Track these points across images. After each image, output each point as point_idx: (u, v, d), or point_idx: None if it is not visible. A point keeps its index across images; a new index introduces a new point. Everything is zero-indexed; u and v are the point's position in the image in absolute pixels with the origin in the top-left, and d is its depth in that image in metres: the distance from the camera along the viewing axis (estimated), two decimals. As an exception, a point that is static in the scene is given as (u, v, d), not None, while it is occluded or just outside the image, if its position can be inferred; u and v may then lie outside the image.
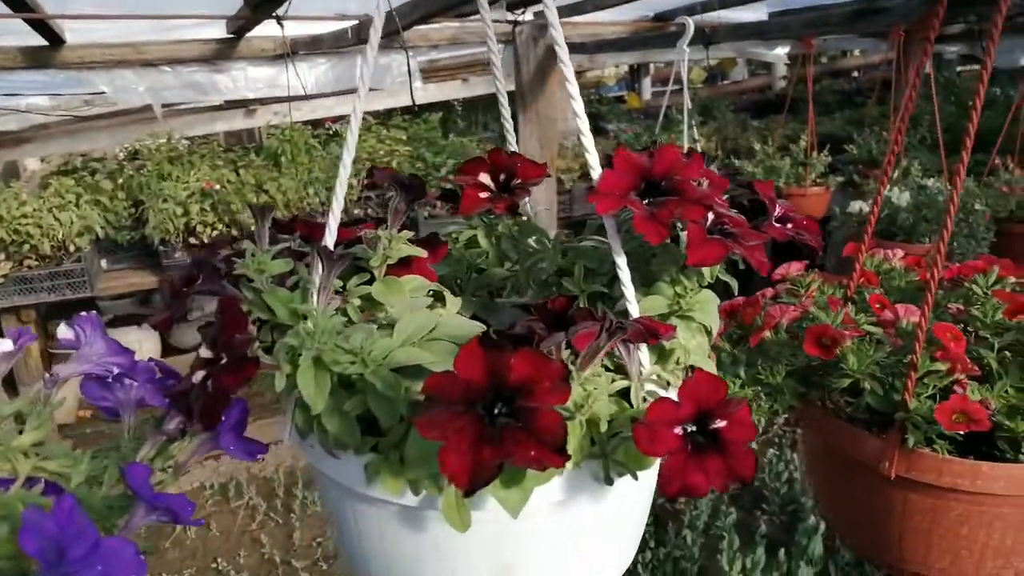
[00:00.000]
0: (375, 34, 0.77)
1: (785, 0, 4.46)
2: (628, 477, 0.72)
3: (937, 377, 0.97)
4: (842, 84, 7.79)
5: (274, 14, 2.95)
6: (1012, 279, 1.15)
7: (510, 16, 4.38)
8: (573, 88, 0.73)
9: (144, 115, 4.99)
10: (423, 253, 0.82)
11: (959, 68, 6.59)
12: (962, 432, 0.93)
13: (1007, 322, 1.04)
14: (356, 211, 5.04)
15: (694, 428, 0.63)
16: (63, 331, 0.87)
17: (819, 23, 3.18)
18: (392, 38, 3.91)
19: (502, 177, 0.84)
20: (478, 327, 0.73)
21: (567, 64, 0.73)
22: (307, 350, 0.65)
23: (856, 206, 2.89)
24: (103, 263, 4.60)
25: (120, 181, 4.58)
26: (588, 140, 0.72)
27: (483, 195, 0.82)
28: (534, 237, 0.87)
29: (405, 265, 0.84)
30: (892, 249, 1.34)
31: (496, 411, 0.57)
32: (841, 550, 3.28)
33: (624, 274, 0.73)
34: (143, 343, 4.89)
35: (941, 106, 4.76)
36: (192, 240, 4.55)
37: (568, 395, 0.55)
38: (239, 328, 0.63)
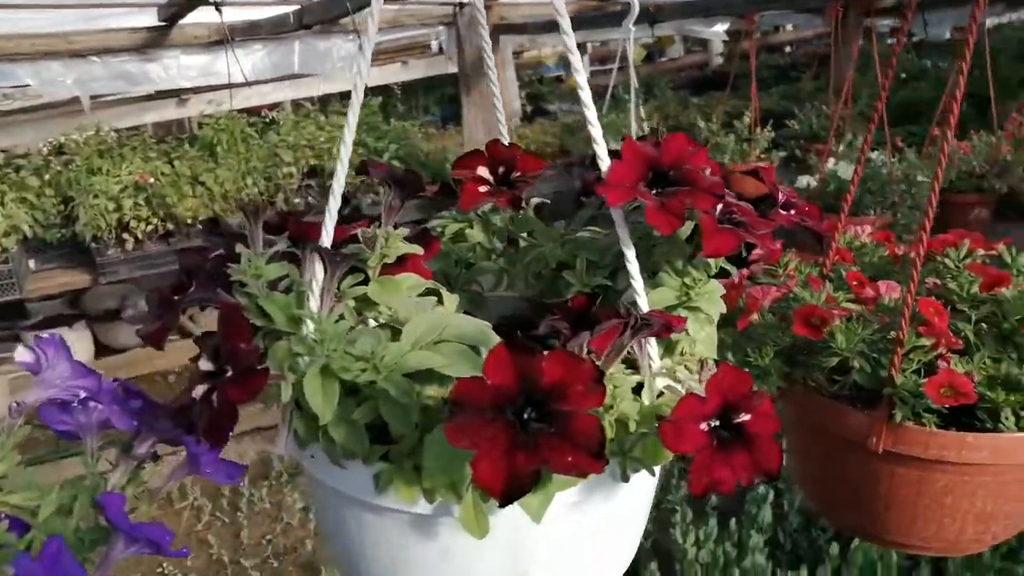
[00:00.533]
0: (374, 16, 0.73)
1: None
2: (640, 473, 0.72)
3: (922, 352, 0.99)
4: (776, 59, 7.92)
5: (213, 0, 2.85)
6: (981, 251, 1.18)
7: (451, -2, 4.32)
8: (582, 78, 0.71)
9: (70, 107, 4.80)
10: (420, 251, 0.79)
11: (889, 41, 6.76)
12: (955, 406, 0.95)
13: (983, 295, 1.07)
14: (296, 200, 4.94)
15: (718, 423, 0.62)
16: (21, 354, 0.81)
17: None
18: (332, 23, 3.83)
19: (501, 170, 0.82)
20: (485, 326, 0.71)
21: (580, 71, 0.71)
22: (316, 358, 0.62)
23: (804, 181, 2.95)
24: (31, 263, 4.42)
25: (47, 177, 4.39)
26: (596, 131, 0.71)
27: (483, 189, 0.80)
28: (531, 230, 0.85)
29: (399, 263, 0.81)
30: (861, 225, 1.36)
31: (526, 416, 0.55)
32: (789, 516, 3.37)
33: (633, 266, 0.72)
34: (75, 344, 4.72)
35: (877, 79, 4.88)
36: (126, 236, 4.40)
37: (603, 397, 0.53)
38: (243, 338, 0.60)
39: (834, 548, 2.97)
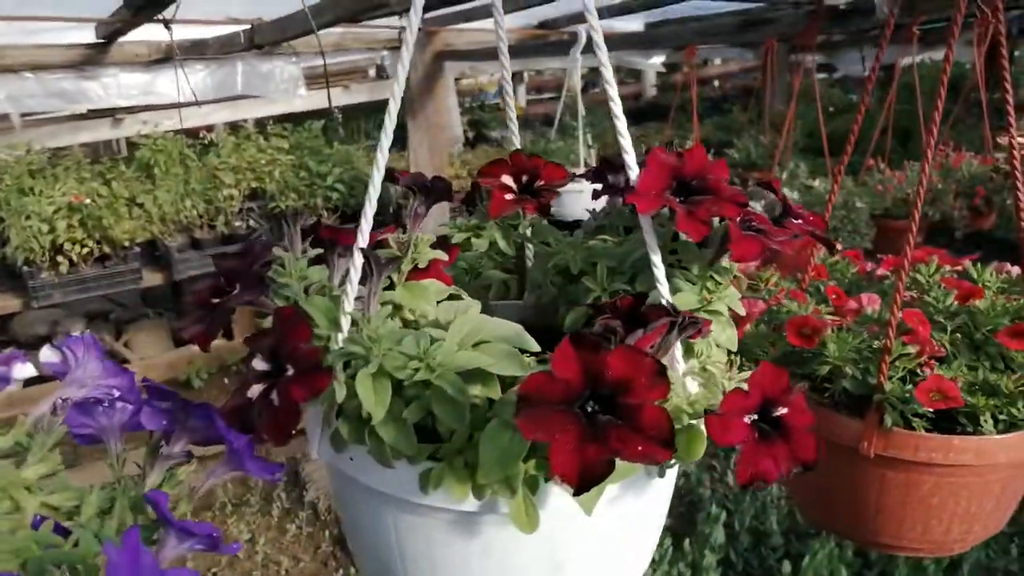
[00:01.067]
0: (411, 33, 0.75)
1: (663, 11, 4.65)
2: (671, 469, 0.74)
3: (907, 359, 1.04)
4: (708, 92, 8.18)
5: (160, 17, 2.80)
6: (947, 267, 1.25)
7: (396, 22, 4.34)
8: (613, 91, 0.73)
9: (0, 125, 4.63)
10: (445, 256, 0.80)
11: (821, 75, 7.08)
12: (933, 410, 1.01)
13: (958, 307, 1.13)
14: (237, 223, 4.86)
15: (756, 417, 0.65)
16: (46, 354, 0.80)
17: (711, 32, 3.34)
18: (276, 45, 3.80)
19: (524, 179, 0.84)
20: (520, 329, 0.72)
21: (612, 83, 0.73)
22: (374, 357, 0.62)
23: (756, 207, 3.04)
24: (-43, 289, 4.22)
25: (-27, 199, 4.21)
26: (627, 141, 0.73)
27: (509, 197, 0.82)
28: (550, 238, 0.87)
29: (422, 269, 0.82)
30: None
31: (591, 409, 0.57)
32: (740, 536, 3.43)
33: (660, 271, 0.74)
34: None
35: (806, 112, 5.09)
36: (60, 259, 4.25)
37: (668, 389, 0.55)
38: (303, 338, 0.60)
39: (786, 567, 3.04)
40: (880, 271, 1.36)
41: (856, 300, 1.15)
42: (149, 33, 3.84)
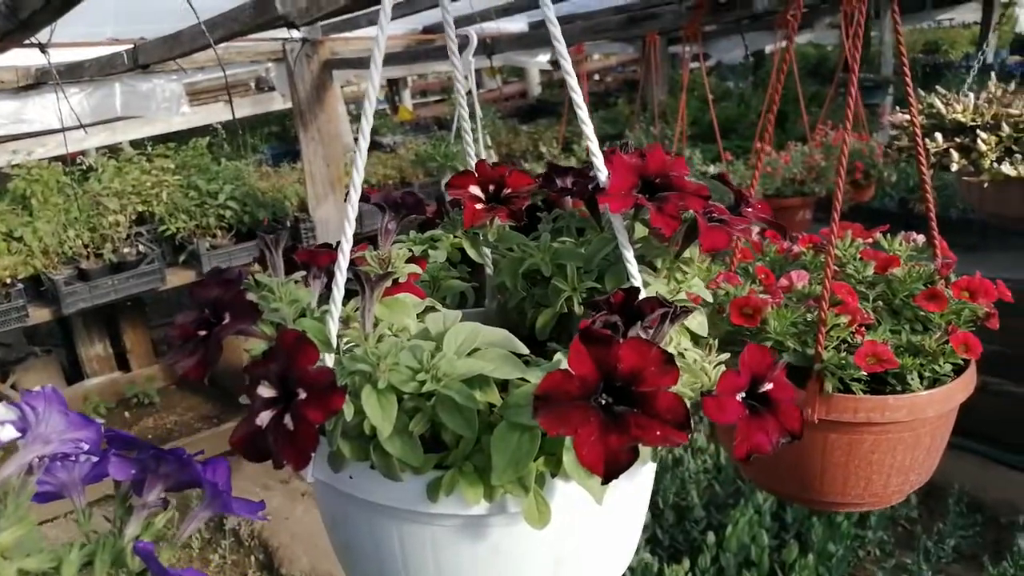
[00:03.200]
0: (379, 53, 0.76)
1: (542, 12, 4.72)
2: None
3: (840, 329, 1.12)
4: (591, 87, 8.37)
5: (34, 40, 2.66)
6: (860, 240, 1.34)
7: (280, 34, 4.25)
8: (578, 97, 0.76)
9: None
10: (420, 270, 0.82)
11: (693, 65, 7.35)
12: (868, 374, 1.09)
13: (878, 276, 1.22)
14: (126, 250, 4.66)
15: (745, 394, 0.69)
16: (3, 413, 0.76)
17: (598, 29, 3.43)
18: (149, 67, 3.66)
19: (491, 188, 0.86)
20: (507, 334, 0.75)
21: (576, 90, 0.76)
22: (381, 373, 0.63)
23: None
24: None
25: None
26: (594, 145, 0.76)
27: (480, 207, 0.84)
28: (515, 243, 0.89)
29: (395, 284, 0.83)
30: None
31: (606, 401, 0.60)
32: (664, 513, 3.55)
33: (633, 267, 0.78)
34: None
35: (687, 100, 5.28)
36: (-69, 301, 3.97)
37: (678, 376, 0.59)
38: (312, 360, 0.61)
39: (710, 538, 3.17)
40: (796, 250, 1.45)
41: (786, 277, 1.23)
42: (17, 58, 3.64)
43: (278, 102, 5.44)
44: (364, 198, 0.81)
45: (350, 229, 0.74)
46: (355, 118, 6.51)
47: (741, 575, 3.00)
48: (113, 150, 5.51)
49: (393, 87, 8.18)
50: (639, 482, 0.79)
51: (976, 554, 3.27)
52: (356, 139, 0.76)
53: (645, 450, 0.74)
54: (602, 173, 0.77)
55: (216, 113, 5.69)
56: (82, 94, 3.99)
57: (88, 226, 4.52)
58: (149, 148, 5.11)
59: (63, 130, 3.37)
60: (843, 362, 1.09)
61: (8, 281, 4.09)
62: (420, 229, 0.97)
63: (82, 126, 3.23)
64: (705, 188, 0.78)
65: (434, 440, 0.72)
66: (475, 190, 0.85)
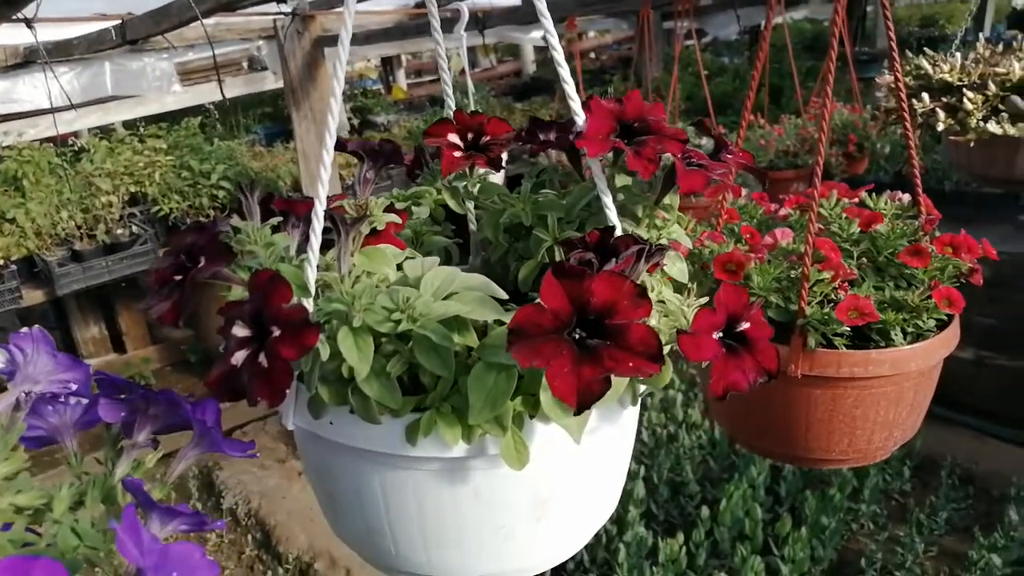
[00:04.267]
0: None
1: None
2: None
3: (823, 285, 1.12)
4: (586, 64, 8.33)
5: (20, 16, 2.64)
6: (845, 200, 1.34)
7: (271, 8, 4.22)
8: (558, 49, 0.76)
9: None
10: (398, 219, 0.82)
11: (688, 43, 7.34)
12: (850, 328, 1.09)
13: (862, 234, 1.22)
14: (119, 231, 4.65)
15: (723, 333, 0.70)
16: (-9, 353, 0.77)
17: (590, 1, 3.41)
18: (147, 40, 3.64)
19: (470, 136, 0.86)
20: (486, 280, 0.75)
21: (552, 33, 0.76)
22: (356, 313, 0.64)
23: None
24: None
25: None
26: (570, 87, 0.76)
27: (458, 154, 0.83)
28: (496, 195, 0.89)
29: (374, 235, 0.83)
30: (736, 189, 1.50)
31: (580, 335, 0.60)
32: (659, 488, 3.57)
33: (612, 211, 0.78)
34: None
35: (682, 76, 5.27)
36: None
37: (651, 307, 0.59)
38: (285, 298, 0.61)
39: (704, 512, 3.19)
40: (783, 211, 1.45)
41: (771, 235, 1.23)
42: (5, 36, 3.62)
43: (270, 81, 5.41)
44: (340, 146, 0.81)
45: (326, 174, 0.74)
46: (349, 97, 6.51)
47: (735, 548, 3.02)
48: (105, 131, 5.49)
49: (387, 66, 8.14)
50: (621, 425, 0.79)
51: (968, 526, 3.29)
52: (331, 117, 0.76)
53: (627, 392, 0.75)
54: (579, 117, 0.77)
55: (208, 93, 5.65)
56: (72, 73, 3.97)
57: (81, 207, 4.52)
58: (141, 128, 5.09)
59: (53, 110, 3.35)
60: (826, 317, 1.10)
61: (1, 263, 4.08)
62: (406, 186, 0.97)
63: (72, 106, 3.21)
64: (683, 132, 0.78)
65: (413, 385, 0.72)
66: (453, 138, 0.84)
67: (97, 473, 0.75)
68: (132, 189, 4.69)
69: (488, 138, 0.85)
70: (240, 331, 0.62)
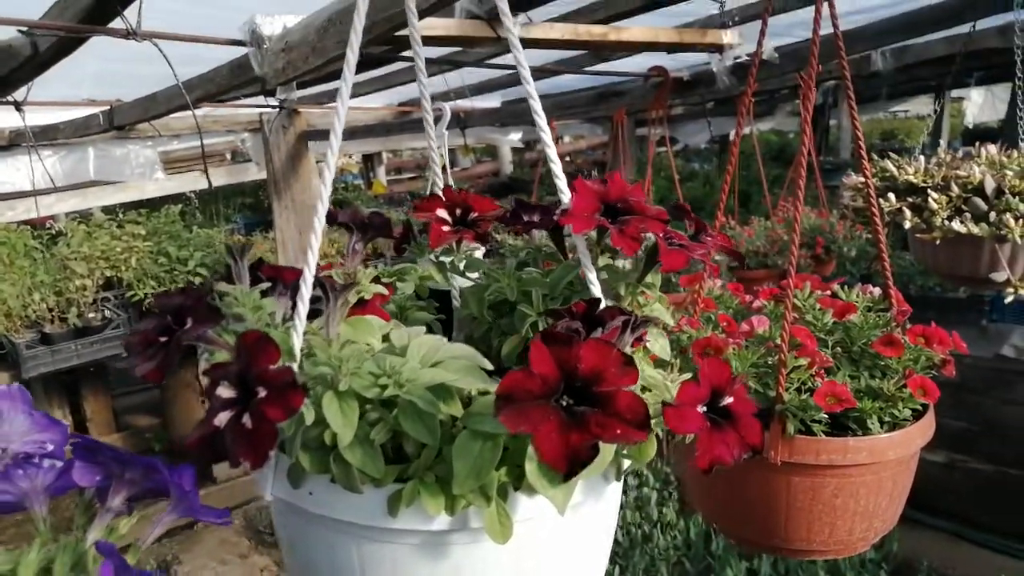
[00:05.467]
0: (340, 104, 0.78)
1: (517, 89, 4.88)
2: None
3: (800, 371, 1.14)
4: (563, 167, 8.54)
5: (11, 99, 2.68)
6: (818, 291, 1.38)
7: (258, 102, 4.32)
8: (550, 143, 0.79)
9: None
10: (385, 292, 0.83)
11: (660, 149, 7.61)
12: (828, 416, 1.10)
13: (836, 324, 1.25)
14: (91, 315, 4.60)
15: (706, 407, 0.70)
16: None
17: (569, 105, 3.54)
18: (133, 127, 3.70)
19: (458, 212, 0.88)
20: (472, 350, 0.75)
21: (540, 113, 0.79)
22: (343, 377, 0.64)
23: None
24: None
25: None
26: (557, 167, 0.79)
27: (446, 229, 0.85)
28: (481, 270, 0.90)
29: (360, 305, 0.84)
30: (713, 279, 1.53)
31: (567, 402, 0.60)
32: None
33: (596, 288, 0.80)
34: None
35: (654, 180, 5.43)
36: None
37: (637, 375, 0.60)
38: (272, 359, 0.61)
39: None
40: (757, 303, 1.48)
41: (747, 323, 1.25)
42: (-10, 120, 3.66)
43: (253, 172, 5.49)
44: (331, 218, 0.82)
45: (316, 242, 0.75)
46: (332, 191, 6.58)
47: (712, 652, 2.93)
48: (83, 215, 5.50)
49: (368, 163, 8.30)
50: (605, 500, 0.78)
51: (947, 633, 3.23)
52: (320, 165, 0.78)
53: (612, 466, 0.75)
54: (565, 195, 0.80)
55: (190, 182, 5.72)
56: (55, 157, 4.01)
57: (54, 290, 4.47)
58: (120, 214, 5.11)
59: (35, 193, 3.37)
60: (804, 403, 1.11)
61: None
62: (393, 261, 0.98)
63: (55, 188, 3.23)
64: (665, 212, 0.81)
65: (395, 455, 0.71)
66: (442, 213, 0.86)
67: (67, 538, 0.73)
68: (107, 273, 4.66)
69: (475, 214, 0.87)
70: (225, 392, 0.61)
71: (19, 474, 0.75)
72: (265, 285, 0.75)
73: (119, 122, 2.87)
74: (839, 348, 1.24)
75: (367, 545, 0.72)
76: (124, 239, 4.79)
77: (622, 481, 0.81)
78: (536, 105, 0.83)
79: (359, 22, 0.80)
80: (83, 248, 4.63)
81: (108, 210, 5.65)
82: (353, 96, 4.28)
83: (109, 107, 2.97)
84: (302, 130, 4.56)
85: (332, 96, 3.98)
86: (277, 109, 4.26)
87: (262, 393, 0.60)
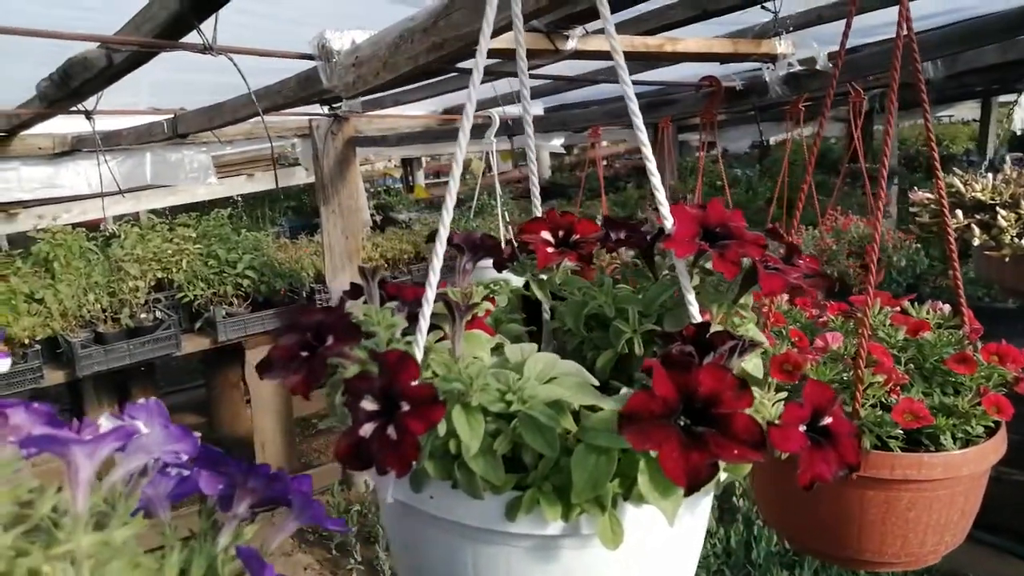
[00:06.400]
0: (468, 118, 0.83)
1: (559, 97, 4.93)
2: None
3: (876, 388, 1.16)
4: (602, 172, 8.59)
5: (80, 108, 2.78)
6: (888, 307, 1.40)
7: (310, 109, 4.41)
8: (647, 149, 0.83)
9: None
10: (492, 308, 0.87)
11: (698, 154, 7.63)
12: (904, 430, 1.13)
13: (908, 340, 1.27)
14: (143, 315, 4.72)
15: (806, 427, 0.74)
16: (106, 423, 0.81)
17: (619, 113, 3.57)
18: (187, 136, 3.80)
19: (560, 233, 0.92)
20: (579, 367, 0.80)
21: (642, 130, 0.83)
22: (473, 392, 0.68)
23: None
24: None
25: None
26: (661, 194, 0.83)
27: (551, 250, 0.90)
28: (576, 288, 0.95)
29: (469, 321, 0.88)
30: (812, 292, 1.56)
31: (685, 421, 0.64)
32: None
33: (695, 308, 0.84)
34: None
35: (694, 187, 5.43)
36: (-49, 360, 4.01)
37: (752, 400, 0.64)
38: (414, 376, 0.65)
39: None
40: (823, 318, 1.50)
41: (821, 339, 1.28)
42: (54, 126, 3.78)
43: (300, 176, 5.60)
44: (448, 240, 0.87)
45: (438, 263, 0.80)
46: (372, 195, 6.71)
47: (756, 661, 2.95)
48: (134, 219, 5.65)
49: (408, 167, 8.40)
50: (699, 513, 0.82)
51: (994, 648, 3.21)
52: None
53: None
54: (668, 221, 0.84)
55: (238, 186, 5.84)
56: (114, 162, 4.13)
57: (108, 291, 4.59)
58: (170, 218, 5.23)
59: (101, 195, 3.47)
60: (880, 419, 1.14)
61: (26, 342, 4.13)
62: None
63: (120, 191, 3.33)
64: (762, 238, 0.85)
65: (509, 465, 0.76)
66: (546, 235, 0.91)
67: (202, 544, 0.78)
68: (159, 275, 4.78)
69: (577, 236, 0.91)
70: (369, 405, 0.66)
71: (144, 482, 0.80)
72: (393, 304, 0.80)
73: (183, 130, 2.96)
74: (911, 365, 1.27)
75: (483, 547, 0.76)
76: (175, 242, 4.91)
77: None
78: (634, 106, 0.87)
79: (487, 27, 0.84)
80: (136, 250, 4.76)
81: (156, 213, 5.79)
82: (400, 104, 4.35)
83: (173, 115, 3.07)
84: (350, 136, 4.64)
85: (379, 104, 4.06)
86: (328, 116, 4.35)
87: (405, 407, 0.64)
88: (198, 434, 0.83)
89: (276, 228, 6.31)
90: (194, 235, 5.02)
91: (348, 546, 4.27)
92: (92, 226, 5.18)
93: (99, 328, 4.50)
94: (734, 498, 4.03)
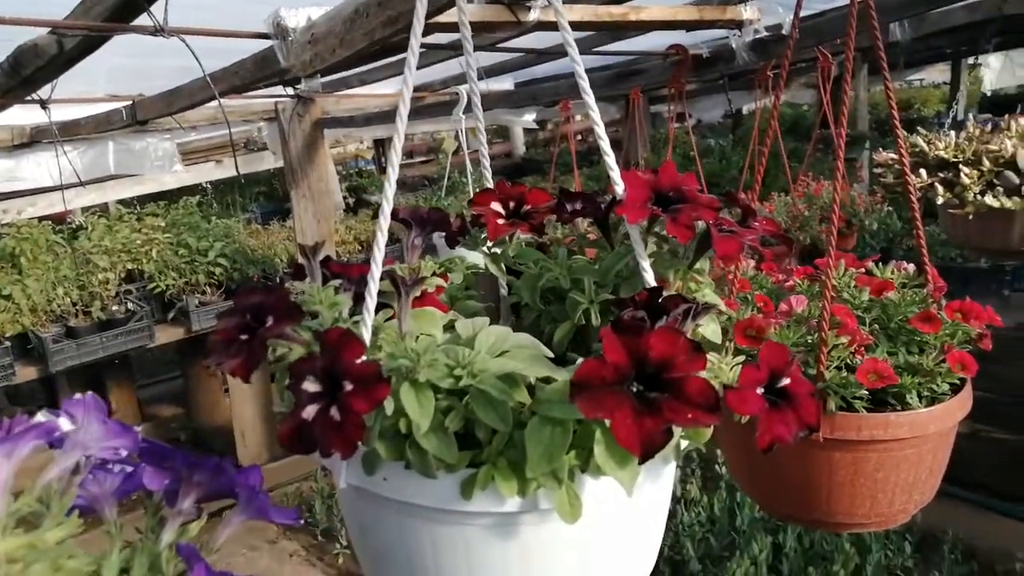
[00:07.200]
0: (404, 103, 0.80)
1: (527, 72, 4.88)
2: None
3: (841, 349, 1.16)
4: (576, 146, 8.55)
5: (35, 97, 2.71)
6: (853, 269, 1.39)
7: (274, 92, 4.34)
8: (600, 127, 0.81)
9: None
10: (444, 284, 0.85)
11: (676, 126, 7.60)
12: (869, 391, 1.12)
13: (873, 301, 1.27)
14: (115, 307, 4.65)
15: (764, 388, 0.73)
16: (43, 419, 0.78)
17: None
18: (148, 123, 3.73)
19: (512, 205, 0.90)
20: (534, 339, 0.78)
21: (594, 108, 0.81)
22: (421, 368, 0.66)
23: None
24: None
25: None
26: (610, 159, 0.81)
27: (502, 222, 0.88)
28: (530, 260, 0.93)
29: (419, 297, 0.86)
30: (768, 253, 1.55)
31: (638, 387, 0.63)
32: (660, 567, 3.53)
33: (650, 274, 0.82)
34: None
35: (672, 157, 5.42)
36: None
37: (706, 362, 0.62)
38: (357, 354, 0.63)
39: None
40: (790, 282, 1.50)
41: (786, 303, 1.27)
42: (12, 117, 3.69)
43: (268, 161, 5.52)
44: (393, 215, 0.84)
45: (383, 239, 0.77)
46: (344, 177, 6.64)
47: (740, 626, 2.98)
48: (100, 210, 5.56)
49: (380, 148, 8.32)
50: (661, 483, 0.81)
51: (973, 603, 3.26)
52: (385, 169, 0.80)
53: (668, 447, 0.77)
54: (619, 186, 0.82)
55: (206, 172, 5.75)
56: (76, 152, 4.04)
57: (77, 284, 4.53)
58: (137, 207, 5.16)
59: (61, 188, 3.40)
60: (845, 381, 1.13)
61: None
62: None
63: (81, 183, 3.26)
64: (716, 201, 0.83)
65: (463, 442, 0.74)
66: (496, 207, 0.89)
67: (142, 540, 0.76)
68: (129, 266, 4.71)
69: (529, 207, 0.89)
70: (311, 386, 0.64)
71: (89, 479, 0.78)
72: (336, 282, 0.78)
73: (142, 116, 2.90)
74: (876, 325, 1.26)
75: (440, 527, 0.75)
76: (144, 232, 4.84)
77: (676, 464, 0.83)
78: (584, 84, 0.85)
79: (421, 8, 0.82)
80: (104, 242, 4.69)
81: (124, 203, 5.70)
82: (366, 83, 4.29)
83: (131, 102, 3.00)
84: (317, 118, 4.57)
85: (345, 84, 4.00)
86: (293, 98, 4.28)
87: (348, 387, 0.62)
88: (138, 428, 0.80)
89: (247, 214, 6.24)
90: (163, 224, 4.95)
91: (334, 531, 4.26)
92: (59, 219, 5.10)
93: (70, 322, 4.44)
94: (716, 466, 4.06)
